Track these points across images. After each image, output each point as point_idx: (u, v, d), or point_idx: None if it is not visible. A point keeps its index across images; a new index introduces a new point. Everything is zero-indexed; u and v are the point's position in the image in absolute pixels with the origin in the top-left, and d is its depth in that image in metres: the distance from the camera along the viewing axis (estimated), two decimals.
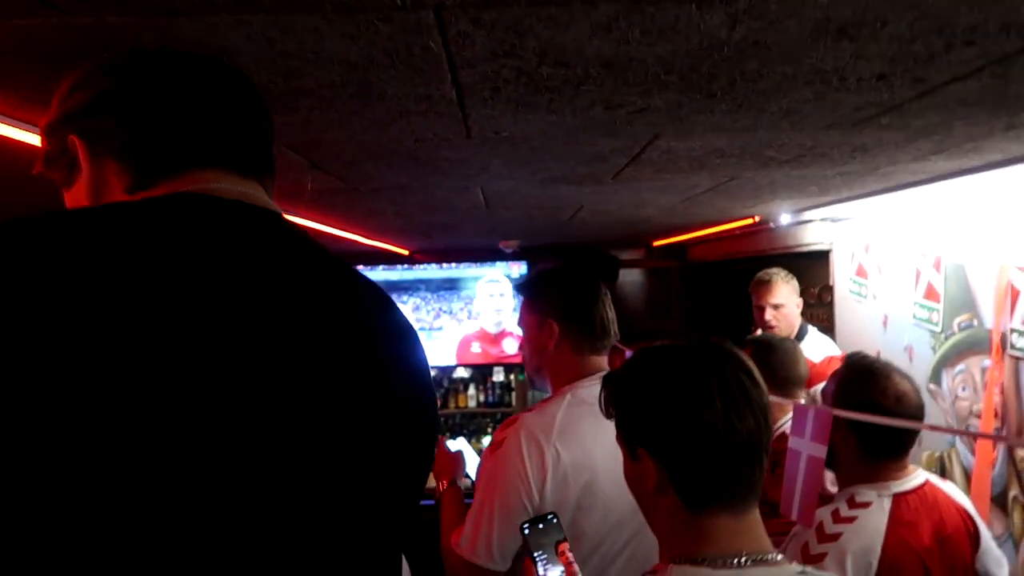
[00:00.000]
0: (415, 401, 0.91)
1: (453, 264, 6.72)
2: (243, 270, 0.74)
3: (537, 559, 1.51)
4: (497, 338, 6.73)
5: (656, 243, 7.12)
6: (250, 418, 0.69)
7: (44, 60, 1.17)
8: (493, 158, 2.30)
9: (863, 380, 2.18)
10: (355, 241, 5.11)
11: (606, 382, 1.44)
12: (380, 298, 0.92)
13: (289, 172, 2.39)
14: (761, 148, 2.29)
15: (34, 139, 1.74)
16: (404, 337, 0.92)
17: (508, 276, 6.76)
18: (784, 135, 2.09)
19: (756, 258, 5.54)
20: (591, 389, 2.07)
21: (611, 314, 2.22)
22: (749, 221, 4.62)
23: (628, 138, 2.06)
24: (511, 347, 6.61)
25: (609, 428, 1.41)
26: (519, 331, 2.35)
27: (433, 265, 6.75)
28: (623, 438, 1.35)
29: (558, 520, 1.62)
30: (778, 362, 3.20)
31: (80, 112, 0.79)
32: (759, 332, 4.22)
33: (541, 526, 1.56)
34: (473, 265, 6.75)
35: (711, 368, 1.26)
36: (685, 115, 1.80)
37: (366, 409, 0.83)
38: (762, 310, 4.24)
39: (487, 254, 6.74)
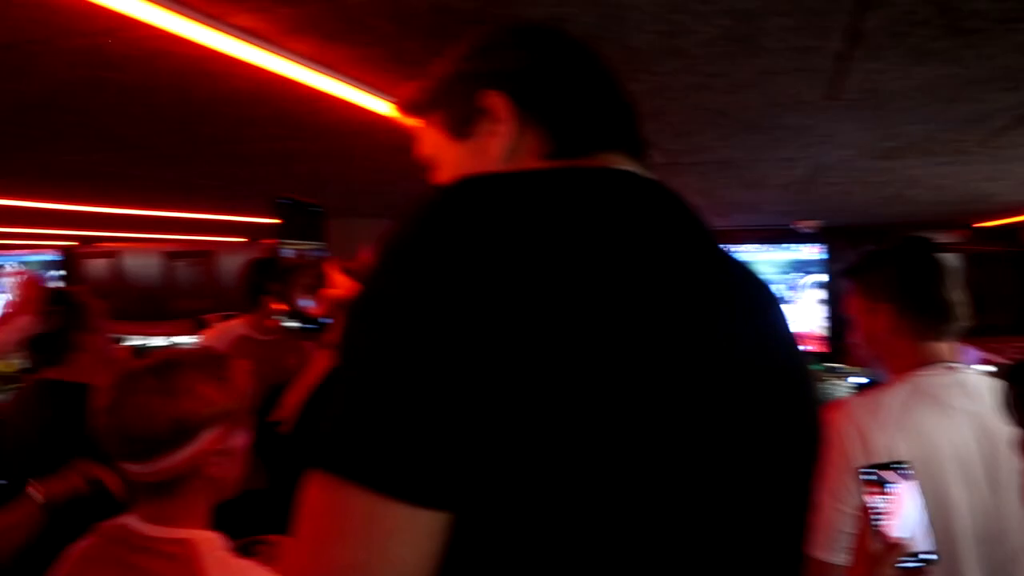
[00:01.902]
0: (810, 384, 0.82)
1: (744, 245, 6.40)
2: (693, 249, 0.70)
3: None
4: None
5: (978, 224, 6.20)
6: (733, 403, 0.64)
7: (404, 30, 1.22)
8: (845, 123, 2.08)
9: None
10: None
11: (1016, 378, 1.20)
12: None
13: None
14: None
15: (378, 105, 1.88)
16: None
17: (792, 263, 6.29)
18: None
19: None
20: (936, 379, 1.83)
21: (960, 296, 1.93)
22: None
23: None
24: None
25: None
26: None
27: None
28: None
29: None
30: None
31: (517, 72, 0.77)
32: None
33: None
34: (766, 247, 6.38)
35: None
36: None
37: (795, 392, 0.75)
38: None
39: (780, 235, 6.32)
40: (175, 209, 5.00)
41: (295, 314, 0.93)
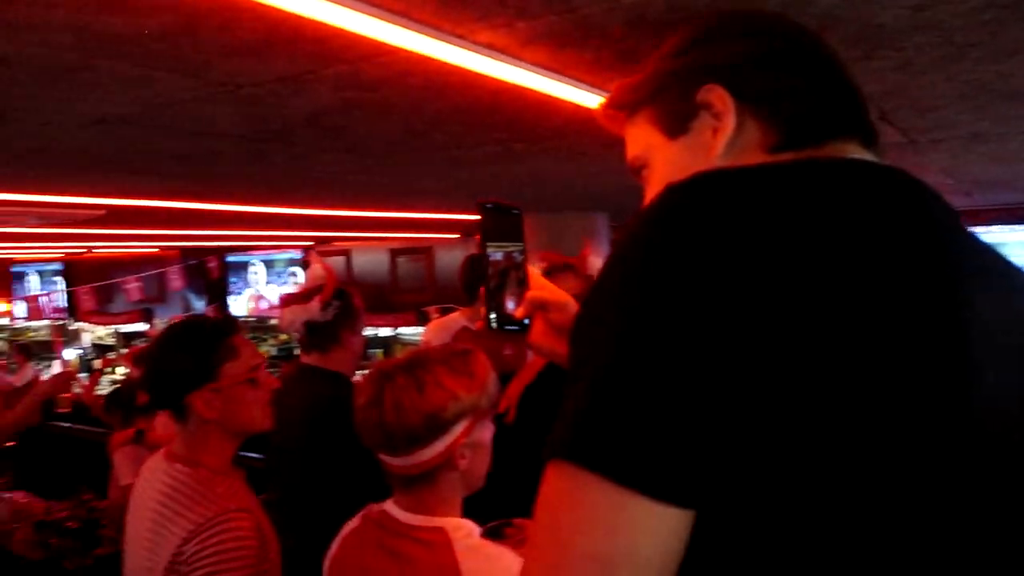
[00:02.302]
0: None
1: (992, 226, 5.71)
2: (940, 239, 0.65)
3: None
4: None
5: None
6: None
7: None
8: None
9: None
10: None
11: None
12: None
13: None
14: None
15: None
16: None
17: None
18: None
19: None
20: None
21: None
22: None
23: None
24: None
25: None
26: None
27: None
28: None
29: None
30: None
31: (738, 63, 0.74)
32: None
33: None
34: (1019, 226, 5.65)
35: None
36: None
37: None
38: None
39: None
40: (398, 210, 5.40)
41: (500, 316, 0.94)
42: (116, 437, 3.47)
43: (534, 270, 0.95)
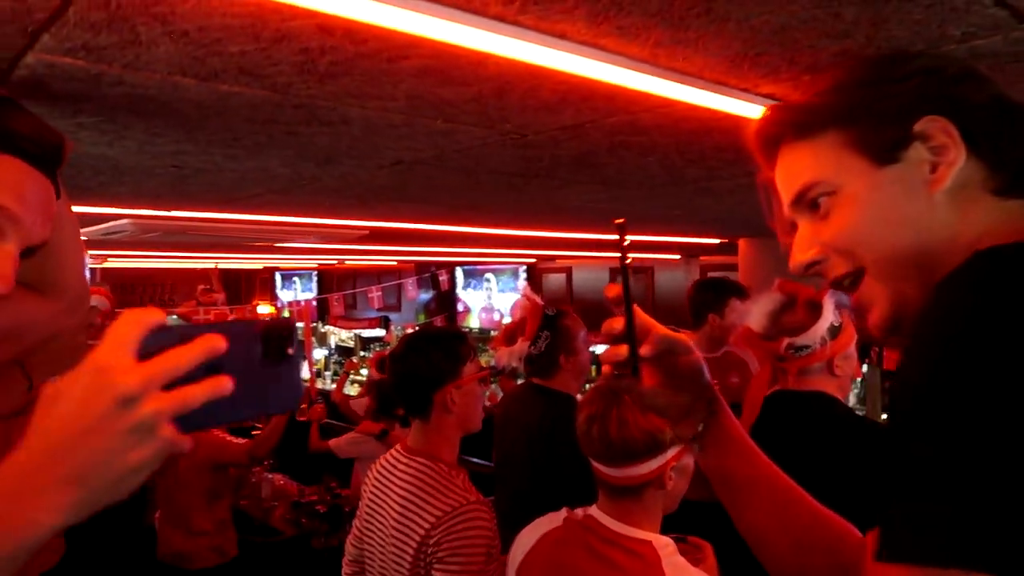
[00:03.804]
0: None
1: None
2: None
3: None
4: None
5: None
6: None
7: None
8: None
9: None
10: None
11: None
12: None
13: None
14: None
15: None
16: None
17: None
18: None
19: None
20: None
21: None
22: None
23: None
24: None
25: None
26: None
27: None
28: None
29: None
30: None
31: (966, 102, 0.71)
32: None
33: None
34: None
35: None
36: None
37: None
38: None
39: None
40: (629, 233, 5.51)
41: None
42: (364, 426, 3.90)
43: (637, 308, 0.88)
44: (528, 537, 1.49)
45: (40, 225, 0.84)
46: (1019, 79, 1.45)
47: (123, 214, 3.51)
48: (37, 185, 0.83)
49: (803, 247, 0.78)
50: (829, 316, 1.82)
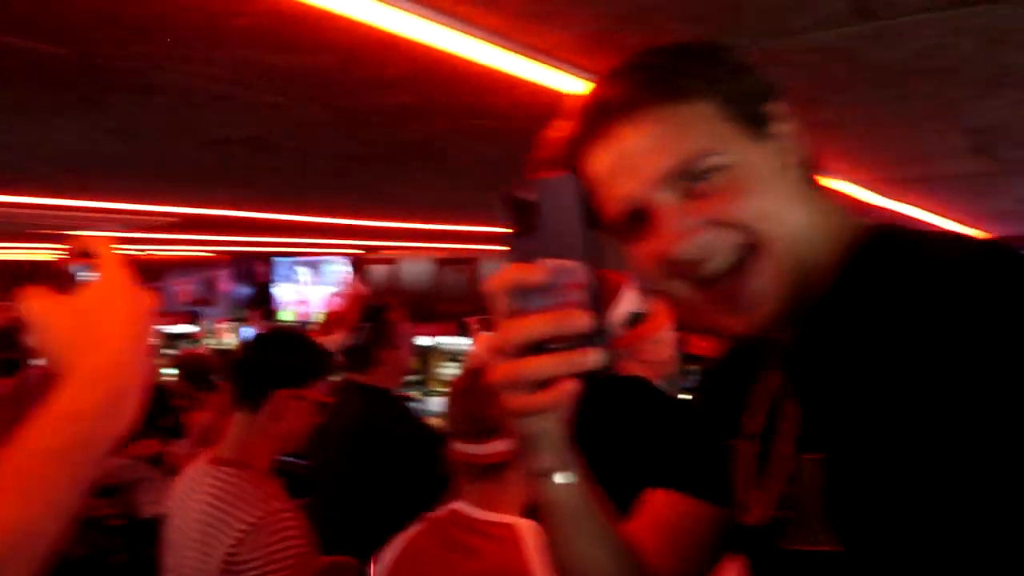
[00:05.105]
0: None
1: None
2: None
3: None
4: None
5: None
6: None
7: None
8: None
9: None
10: None
11: None
12: None
13: None
14: None
15: None
16: None
17: None
18: None
19: None
20: None
21: None
22: None
23: None
24: None
25: None
26: None
27: None
28: None
29: None
30: None
31: (770, 91, 0.70)
32: None
33: None
34: None
35: None
36: None
37: None
38: None
39: None
40: (443, 222, 5.49)
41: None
42: (136, 448, 3.58)
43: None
44: (394, 546, 1.42)
45: None
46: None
47: None
48: None
49: (682, 230, 0.65)
50: (626, 304, 1.85)
